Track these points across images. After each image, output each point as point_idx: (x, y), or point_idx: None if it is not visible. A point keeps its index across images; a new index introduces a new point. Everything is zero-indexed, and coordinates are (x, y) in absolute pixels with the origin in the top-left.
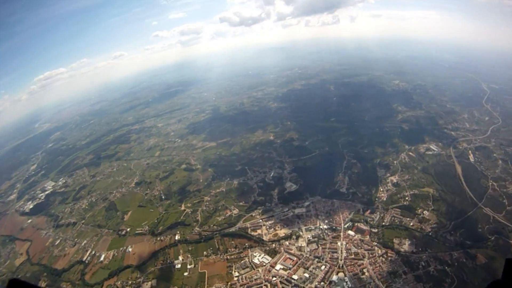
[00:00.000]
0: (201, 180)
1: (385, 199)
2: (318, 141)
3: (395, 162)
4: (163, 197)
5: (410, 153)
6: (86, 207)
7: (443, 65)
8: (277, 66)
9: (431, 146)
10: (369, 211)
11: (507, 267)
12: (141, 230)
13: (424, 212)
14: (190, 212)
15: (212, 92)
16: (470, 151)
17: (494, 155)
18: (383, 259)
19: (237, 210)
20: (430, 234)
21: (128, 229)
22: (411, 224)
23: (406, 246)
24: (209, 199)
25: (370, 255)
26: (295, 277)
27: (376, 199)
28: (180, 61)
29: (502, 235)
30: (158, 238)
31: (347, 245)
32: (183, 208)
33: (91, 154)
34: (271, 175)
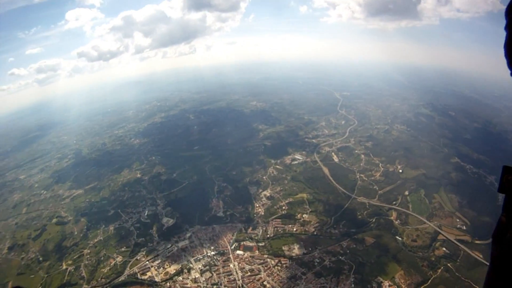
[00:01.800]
0: (76, 233)
1: (263, 213)
2: (186, 171)
3: (264, 177)
4: (40, 258)
5: (278, 166)
6: None
7: (297, 82)
8: (136, 100)
9: (296, 156)
10: (251, 228)
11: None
12: None
13: (303, 216)
14: (73, 270)
15: (72, 135)
16: (333, 153)
17: (356, 151)
18: (279, 268)
19: (120, 257)
20: (315, 233)
21: None
22: (295, 229)
23: (296, 250)
24: (89, 251)
25: (265, 268)
26: None
27: (255, 215)
28: (37, 102)
29: (381, 215)
30: None
31: (240, 264)
32: (64, 266)
33: None
34: (146, 214)
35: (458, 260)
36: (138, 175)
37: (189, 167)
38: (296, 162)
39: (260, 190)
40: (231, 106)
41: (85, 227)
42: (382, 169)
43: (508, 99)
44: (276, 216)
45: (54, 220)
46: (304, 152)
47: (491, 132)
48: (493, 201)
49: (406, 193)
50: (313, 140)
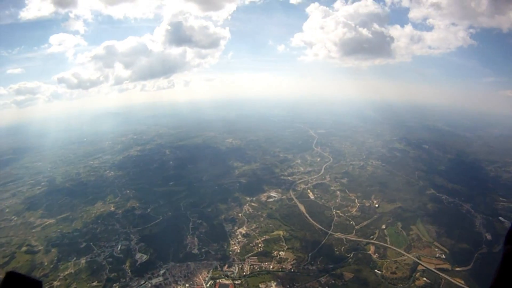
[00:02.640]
0: (46, 263)
1: (239, 250)
2: (160, 206)
3: (240, 215)
4: None
5: (253, 204)
6: None
7: (273, 120)
8: (113, 132)
9: (271, 194)
10: (226, 265)
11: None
12: None
13: (280, 253)
14: None
15: (46, 162)
16: (309, 190)
17: (332, 188)
18: None
19: None
20: (293, 270)
21: None
22: (271, 266)
23: (273, 287)
24: (59, 283)
25: None
26: None
27: (230, 252)
28: (14, 124)
29: (359, 250)
30: None
31: None
32: None
33: None
34: (119, 248)
35: None
36: (112, 208)
37: (164, 203)
38: (271, 199)
39: (236, 228)
40: (207, 142)
41: (56, 258)
42: (358, 204)
43: (479, 129)
44: (252, 253)
45: (24, 248)
46: (279, 190)
47: (464, 162)
48: (470, 228)
49: (383, 226)
50: (289, 178)
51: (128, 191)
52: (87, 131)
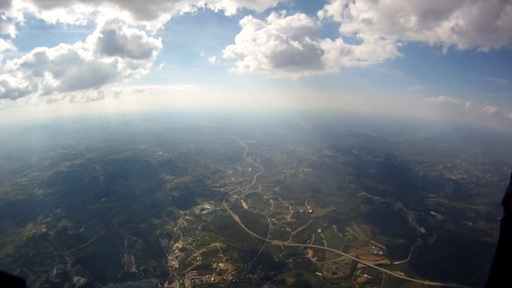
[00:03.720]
0: None
1: (177, 266)
2: (93, 225)
3: (175, 229)
4: None
5: (187, 217)
6: None
7: (203, 132)
8: (42, 146)
9: (205, 206)
10: (167, 282)
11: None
12: None
13: (219, 264)
14: None
15: None
16: (242, 200)
17: (265, 197)
18: None
19: None
20: (234, 281)
21: None
22: (212, 279)
23: None
24: None
25: None
26: None
27: (169, 268)
28: None
29: (297, 255)
30: None
31: None
32: None
33: None
34: (54, 272)
35: (381, 283)
36: (44, 229)
37: (97, 221)
38: (205, 211)
39: (172, 242)
40: (137, 156)
41: None
42: (292, 211)
43: (406, 133)
44: (191, 267)
45: None
46: (212, 201)
47: (393, 164)
48: (404, 224)
49: (319, 230)
50: (221, 189)
51: (59, 210)
52: (14, 145)
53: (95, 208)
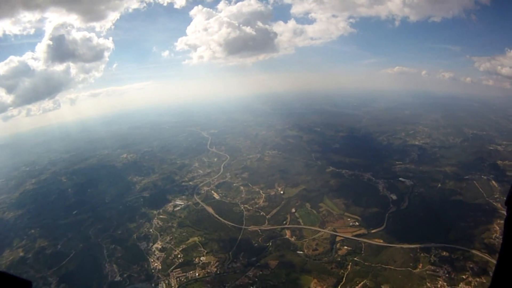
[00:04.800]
0: None
1: (160, 267)
2: (70, 240)
3: (151, 230)
4: None
5: (162, 216)
6: None
7: (164, 128)
8: (4, 166)
9: (177, 202)
10: (153, 284)
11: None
12: None
13: (201, 258)
14: None
15: None
16: (213, 191)
17: (234, 184)
18: None
19: None
20: (219, 272)
21: None
22: (197, 274)
23: None
24: None
25: None
26: None
27: (153, 270)
28: None
29: (276, 237)
30: None
31: None
32: None
33: None
34: None
35: (362, 252)
36: (21, 253)
37: (73, 235)
38: (178, 207)
39: (151, 244)
40: (102, 162)
41: None
42: (263, 195)
43: (365, 106)
44: (174, 266)
45: None
46: (184, 197)
47: (356, 137)
48: (375, 193)
49: (293, 210)
50: (190, 183)
51: (33, 231)
52: None
53: (68, 222)
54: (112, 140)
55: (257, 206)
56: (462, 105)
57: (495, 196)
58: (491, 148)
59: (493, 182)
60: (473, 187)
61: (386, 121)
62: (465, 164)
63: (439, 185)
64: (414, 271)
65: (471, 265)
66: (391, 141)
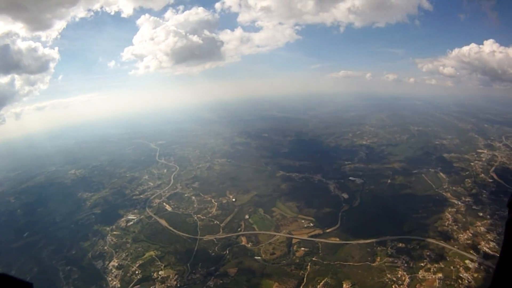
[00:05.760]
0: None
1: (119, 285)
2: (24, 264)
3: (105, 248)
4: None
5: (115, 232)
6: None
7: (112, 141)
8: None
9: (129, 217)
10: None
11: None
12: None
13: (159, 273)
14: None
15: None
16: (165, 203)
17: (186, 195)
18: None
19: None
20: (179, 285)
21: None
22: None
23: None
24: None
25: None
26: None
27: None
28: None
29: (232, 245)
30: None
31: None
32: None
33: None
34: None
35: (320, 252)
36: None
37: (26, 259)
38: (131, 222)
39: (107, 262)
40: (50, 179)
41: None
42: (216, 204)
43: (312, 110)
44: (133, 283)
45: None
46: (136, 211)
47: (304, 140)
48: (327, 194)
49: (247, 217)
50: (141, 196)
51: None
52: None
53: (20, 245)
54: (60, 155)
55: (210, 215)
56: (406, 105)
57: (444, 187)
58: (437, 142)
59: (441, 174)
60: (422, 180)
61: (333, 123)
62: (412, 159)
63: (389, 181)
64: (373, 264)
65: (428, 253)
66: (339, 143)
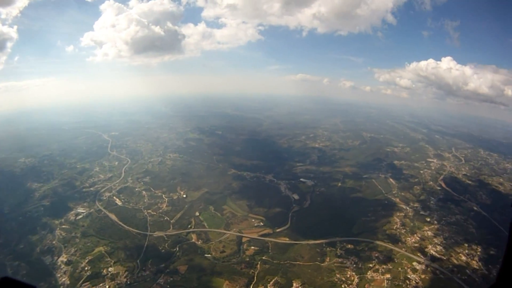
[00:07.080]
0: None
1: (69, 281)
2: None
3: (54, 242)
4: None
5: (64, 226)
6: None
7: (64, 129)
8: None
9: (79, 210)
10: None
11: None
12: None
13: (109, 269)
14: None
15: None
16: (115, 197)
17: (136, 189)
18: None
19: None
20: (129, 282)
21: None
22: (107, 286)
23: None
24: None
25: None
26: None
27: (61, 286)
28: None
29: (182, 242)
30: None
31: None
32: None
33: None
34: None
35: (269, 251)
36: None
37: None
38: (80, 216)
39: (56, 258)
40: None
41: None
42: (166, 199)
43: (267, 110)
44: (83, 280)
45: None
46: (85, 204)
47: (257, 140)
48: (278, 194)
49: (197, 214)
50: (91, 189)
51: None
52: None
53: None
54: (9, 142)
55: (160, 211)
56: (361, 112)
57: (394, 192)
58: (388, 149)
59: (391, 179)
60: (372, 185)
61: (287, 125)
62: (363, 164)
63: (340, 184)
64: (322, 264)
65: (376, 255)
66: (292, 144)
